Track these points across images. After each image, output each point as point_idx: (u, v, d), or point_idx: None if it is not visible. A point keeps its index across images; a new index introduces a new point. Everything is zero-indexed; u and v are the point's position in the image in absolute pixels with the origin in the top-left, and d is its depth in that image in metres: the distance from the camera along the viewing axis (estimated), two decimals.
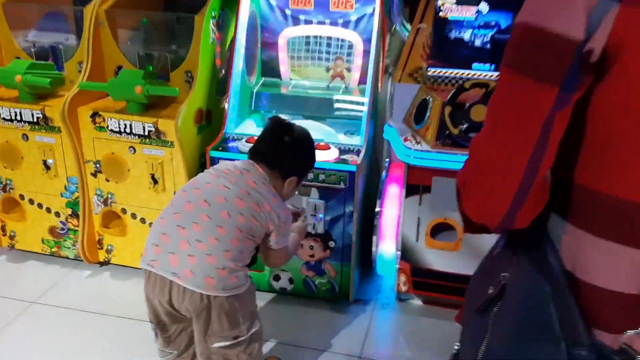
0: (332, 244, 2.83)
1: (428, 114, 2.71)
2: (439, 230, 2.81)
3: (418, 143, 2.68)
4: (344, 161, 2.72)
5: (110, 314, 2.90)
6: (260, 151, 2.18)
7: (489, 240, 1.36)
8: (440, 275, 2.82)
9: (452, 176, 2.59)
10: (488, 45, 2.81)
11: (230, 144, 2.88)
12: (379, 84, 3.03)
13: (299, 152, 2.22)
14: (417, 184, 2.76)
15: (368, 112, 2.87)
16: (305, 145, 2.25)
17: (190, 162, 2.89)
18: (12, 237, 3.34)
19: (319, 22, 3.15)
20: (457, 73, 2.81)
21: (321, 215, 2.78)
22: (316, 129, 3.03)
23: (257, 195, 2.05)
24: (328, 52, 3.20)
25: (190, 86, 2.94)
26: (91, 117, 2.92)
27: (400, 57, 2.92)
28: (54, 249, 3.29)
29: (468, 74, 2.79)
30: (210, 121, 3.08)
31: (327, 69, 3.23)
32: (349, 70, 3.19)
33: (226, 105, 2.97)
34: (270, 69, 3.26)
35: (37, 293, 3.06)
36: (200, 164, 2.97)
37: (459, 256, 2.81)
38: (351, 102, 3.10)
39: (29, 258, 3.35)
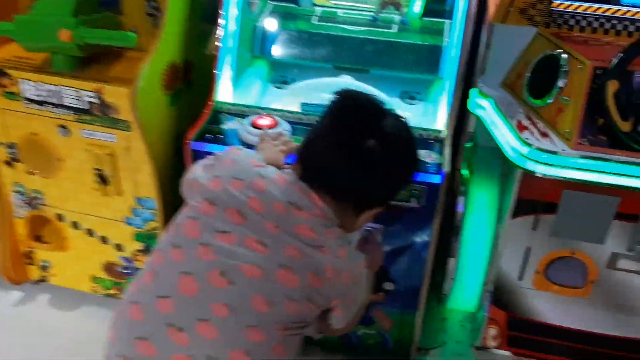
0: (388, 285, 1.81)
1: (562, 83, 1.60)
2: (555, 267, 1.81)
3: (544, 135, 1.60)
4: (421, 163, 1.63)
5: None
6: (320, 171, 1.17)
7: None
8: (553, 331, 1.85)
9: (593, 190, 1.50)
10: None
11: (226, 125, 1.76)
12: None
13: (393, 169, 1.20)
14: (534, 199, 1.70)
15: (460, 66, 1.73)
16: (405, 151, 1.24)
17: (159, 153, 1.78)
18: None
19: None
20: (612, 11, 1.67)
21: None
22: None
23: (317, 257, 1.14)
24: None
25: (156, 23, 1.76)
26: None
27: None
28: None
29: (634, 14, 1.65)
30: (190, 81, 1.93)
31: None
32: None
33: (216, 56, 1.81)
34: None
35: None
36: (175, 151, 1.85)
37: (585, 306, 1.82)
38: (414, 47, 1.96)
39: None
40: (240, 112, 1.81)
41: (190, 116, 1.78)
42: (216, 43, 1.80)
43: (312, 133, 1.23)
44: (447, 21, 1.98)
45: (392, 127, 1.18)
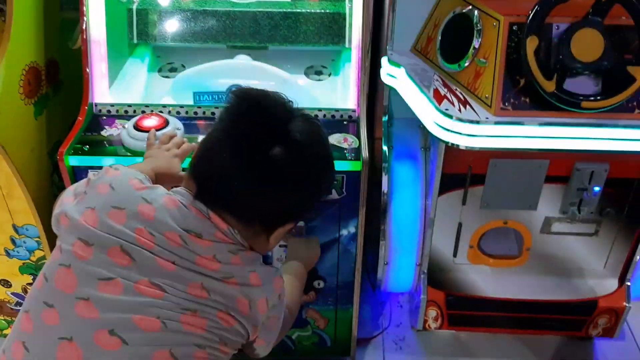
0: (319, 284, 1.66)
1: (477, 43, 1.46)
2: (489, 239, 1.71)
3: (464, 103, 1.46)
4: (337, 150, 1.45)
5: None
6: (218, 188, 0.97)
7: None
8: (493, 305, 1.76)
9: (521, 156, 1.46)
10: None
11: (107, 132, 1.50)
12: None
13: (303, 180, 1.01)
14: (460, 172, 1.58)
15: (366, 33, 1.54)
16: (316, 158, 1.03)
17: (33, 172, 1.51)
18: None
19: None
20: None
21: None
22: (255, 72, 1.72)
23: (226, 291, 0.96)
24: None
25: (4, 17, 1.47)
26: None
27: None
28: None
29: None
30: (57, 83, 1.64)
31: None
32: None
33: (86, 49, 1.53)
34: None
35: None
36: (54, 167, 1.59)
37: (522, 274, 1.74)
38: (314, 16, 1.75)
39: None
40: (123, 113, 1.56)
41: (64, 124, 1.52)
42: (84, 35, 1.53)
43: (206, 142, 1.03)
44: None
45: (301, 131, 0.99)
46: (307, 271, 1.37)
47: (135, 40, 1.75)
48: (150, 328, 0.90)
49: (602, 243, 1.68)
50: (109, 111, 1.56)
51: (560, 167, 1.54)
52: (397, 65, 1.62)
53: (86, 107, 1.52)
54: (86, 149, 1.43)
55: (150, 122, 1.44)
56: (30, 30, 1.48)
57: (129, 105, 1.56)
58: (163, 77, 1.75)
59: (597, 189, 1.55)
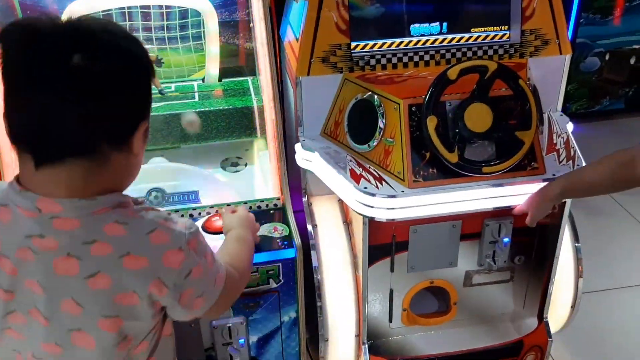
0: None
1: (381, 124, 1.59)
2: (419, 300, 1.81)
3: (379, 180, 1.57)
4: (268, 241, 1.50)
5: None
6: (32, 137, 0.88)
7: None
8: None
9: (436, 220, 1.59)
10: None
11: None
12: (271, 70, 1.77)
13: (124, 67, 0.91)
14: (385, 242, 1.68)
15: (278, 123, 1.64)
16: (124, 55, 0.91)
17: None
18: None
19: None
20: (405, 44, 1.71)
21: (242, 341, 1.57)
22: (173, 173, 1.76)
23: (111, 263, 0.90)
24: (161, 32, 1.85)
25: None
26: None
27: (303, 34, 1.69)
28: None
29: (424, 43, 1.70)
30: None
31: (159, 61, 1.88)
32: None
33: None
34: None
35: None
36: None
37: (454, 327, 1.85)
38: (223, 112, 1.83)
39: None
40: None
41: None
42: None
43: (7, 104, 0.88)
44: (249, 78, 1.91)
45: (99, 36, 0.88)
46: (249, 235, 1.27)
47: None
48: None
49: (518, 287, 1.83)
50: None
51: (472, 224, 1.68)
52: (311, 150, 1.72)
53: None
54: None
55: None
56: None
57: None
58: None
59: (506, 240, 1.71)
